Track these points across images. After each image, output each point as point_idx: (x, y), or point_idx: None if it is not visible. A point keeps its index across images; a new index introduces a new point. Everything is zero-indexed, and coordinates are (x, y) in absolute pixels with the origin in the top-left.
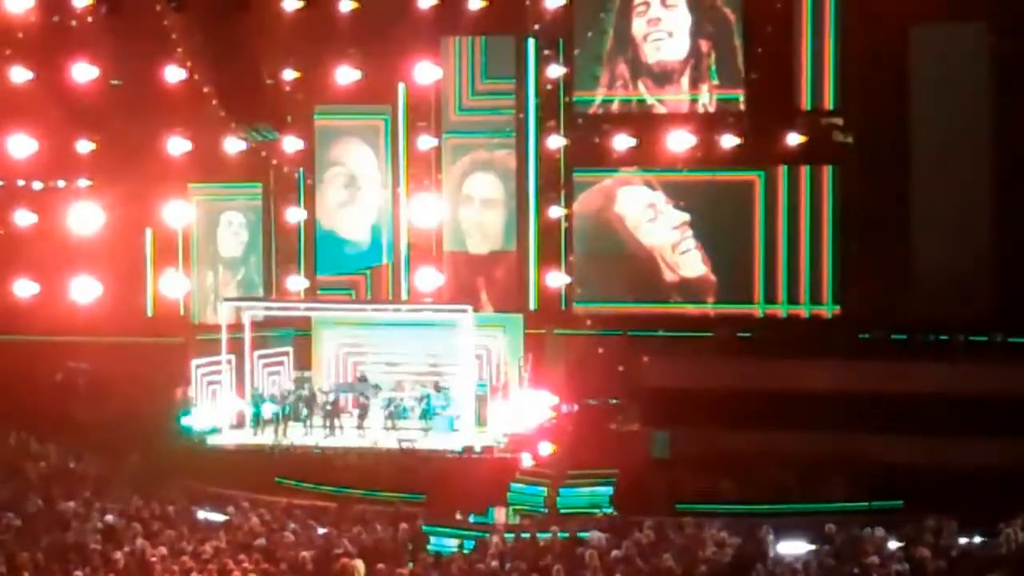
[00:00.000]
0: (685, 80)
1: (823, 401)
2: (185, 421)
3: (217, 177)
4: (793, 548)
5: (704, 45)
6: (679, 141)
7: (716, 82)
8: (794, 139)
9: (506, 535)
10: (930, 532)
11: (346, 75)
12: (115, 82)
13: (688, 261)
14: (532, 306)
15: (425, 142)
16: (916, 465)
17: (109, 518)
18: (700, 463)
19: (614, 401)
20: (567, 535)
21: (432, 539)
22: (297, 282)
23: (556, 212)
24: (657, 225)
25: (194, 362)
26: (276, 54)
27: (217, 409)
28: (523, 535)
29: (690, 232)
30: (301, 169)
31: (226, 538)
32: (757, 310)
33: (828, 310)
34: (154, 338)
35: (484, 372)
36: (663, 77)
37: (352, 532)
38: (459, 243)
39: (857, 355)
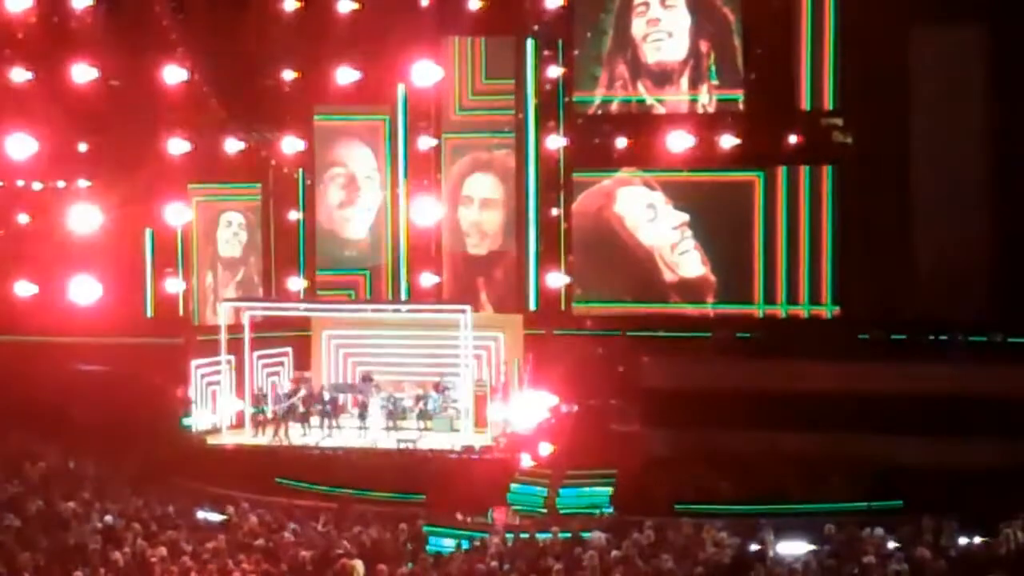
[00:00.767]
0: (684, 80)
1: (822, 401)
2: (185, 421)
3: (217, 177)
4: (792, 548)
5: (704, 45)
6: (678, 141)
7: (716, 82)
8: (793, 139)
9: (506, 535)
10: (929, 532)
11: (346, 75)
12: (114, 82)
13: (687, 261)
14: (532, 306)
15: (425, 142)
16: (916, 465)
17: (109, 519)
18: (700, 463)
19: (611, 402)
20: (567, 535)
21: (431, 539)
22: (297, 282)
23: (555, 212)
24: (656, 225)
25: (194, 362)
26: (276, 54)
27: (217, 409)
28: (523, 535)
29: (689, 232)
30: (301, 170)
31: (226, 538)
32: (757, 310)
33: (827, 310)
34: (154, 339)
35: (484, 372)
36: (662, 77)
37: (352, 532)
38: (459, 243)
39: (856, 355)
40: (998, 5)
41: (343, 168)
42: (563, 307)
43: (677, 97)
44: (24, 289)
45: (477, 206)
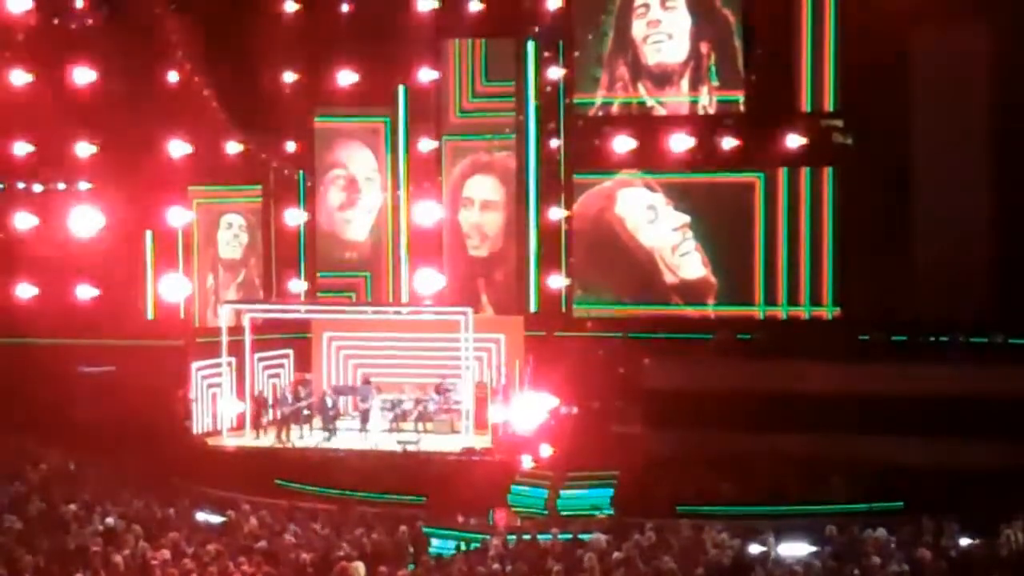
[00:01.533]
0: (685, 82)
1: (823, 402)
2: (186, 423)
3: (217, 179)
4: (793, 550)
5: (704, 47)
6: (679, 143)
7: (716, 84)
8: (794, 141)
9: (507, 537)
10: (930, 533)
11: (346, 78)
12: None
13: (688, 263)
14: (532, 308)
15: (425, 144)
16: (917, 466)
17: (109, 521)
18: (701, 465)
19: (610, 404)
20: (568, 537)
21: (432, 541)
22: (297, 284)
23: (556, 214)
24: (657, 227)
25: (194, 364)
26: (276, 57)
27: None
28: (524, 537)
29: (690, 234)
30: (301, 171)
31: (227, 540)
32: (757, 312)
33: (828, 311)
34: (154, 341)
35: (485, 374)
36: (663, 79)
37: (353, 534)
38: (459, 245)
39: (857, 356)
40: (998, 6)
41: (343, 170)
42: (564, 309)
43: (678, 99)
44: (25, 291)
45: (478, 208)
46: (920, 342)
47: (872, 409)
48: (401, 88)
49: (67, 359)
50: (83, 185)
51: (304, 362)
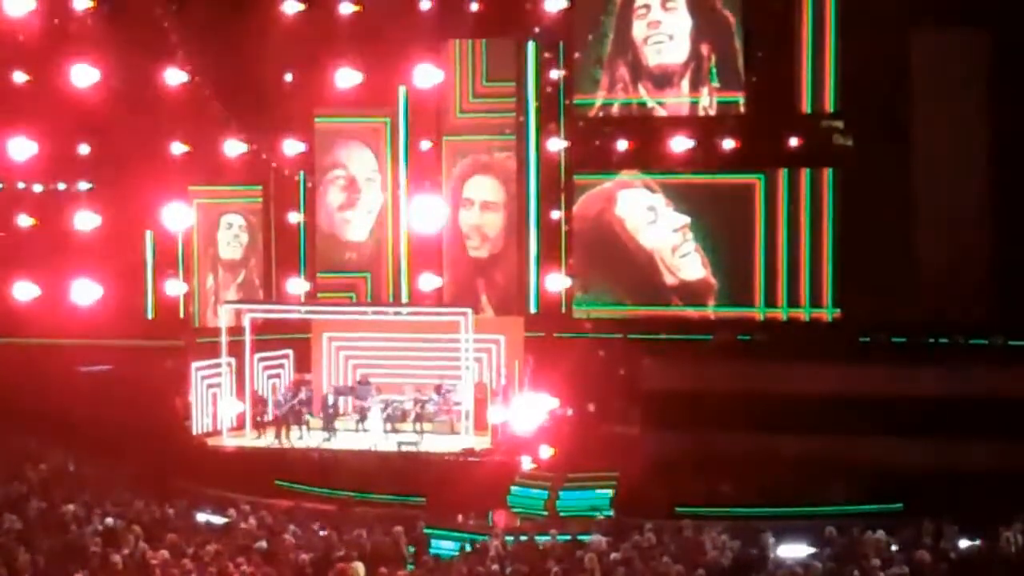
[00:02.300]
0: (685, 83)
1: (823, 404)
2: (185, 424)
3: (217, 180)
4: (793, 551)
5: (704, 48)
6: (679, 144)
7: (716, 85)
8: (794, 142)
9: (506, 538)
10: (930, 535)
11: (346, 78)
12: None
13: (688, 264)
14: (532, 309)
15: (425, 145)
16: (916, 468)
17: (109, 521)
18: (700, 466)
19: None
20: (567, 538)
21: (432, 542)
22: (297, 285)
23: (556, 215)
24: (657, 228)
25: (194, 365)
26: (277, 57)
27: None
28: (523, 538)
29: (690, 235)
30: (301, 172)
31: (226, 540)
32: (757, 313)
33: (828, 313)
34: (154, 341)
35: (484, 375)
36: (663, 80)
37: (352, 535)
38: (459, 246)
39: (857, 358)
40: (998, 7)
41: (344, 170)
42: (564, 310)
43: (678, 100)
44: (24, 291)
45: (478, 208)
46: (920, 344)
47: (872, 411)
48: (401, 89)
49: (67, 359)
50: (83, 185)
51: (304, 362)
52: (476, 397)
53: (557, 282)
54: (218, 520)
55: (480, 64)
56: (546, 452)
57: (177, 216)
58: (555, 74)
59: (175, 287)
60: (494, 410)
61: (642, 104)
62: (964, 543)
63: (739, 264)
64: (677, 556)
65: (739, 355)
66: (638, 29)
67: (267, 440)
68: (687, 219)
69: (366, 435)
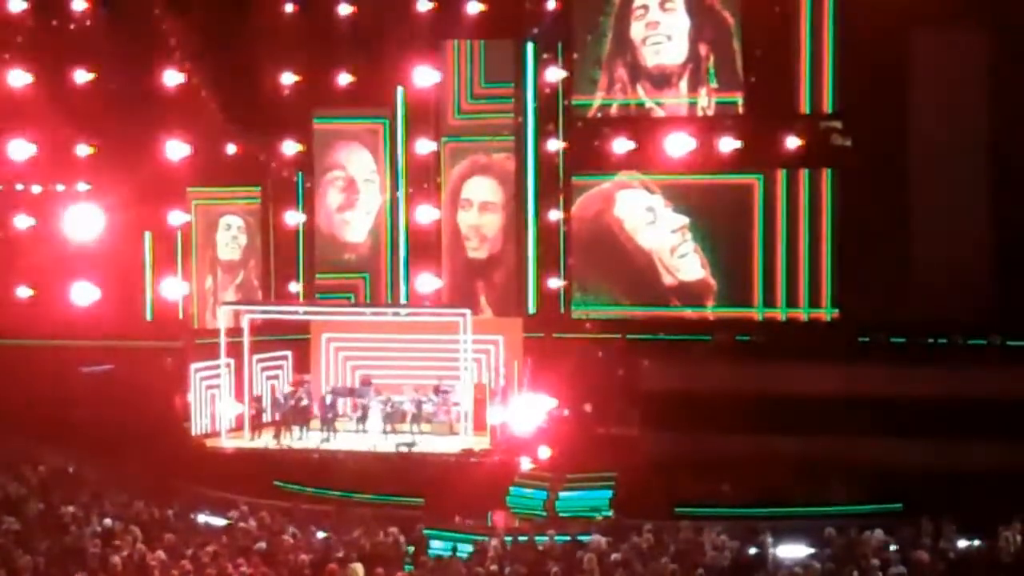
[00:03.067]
0: (684, 83)
1: (822, 404)
2: (184, 425)
3: (216, 181)
4: (792, 551)
5: (703, 48)
6: (678, 144)
7: (715, 85)
8: (793, 142)
9: (505, 539)
10: (929, 535)
11: (345, 79)
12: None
13: (687, 265)
14: (531, 310)
15: (424, 146)
16: (915, 468)
17: (108, 522)
18: (699, 467)
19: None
20: (566, 538)
21: (431, 542)
22: (296, 286)
23: (555, 216)
24: (656, 229)
25: (193, 366)
26: (275, 58)
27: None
28: (522, 539)
29: (689, 235)
30: (300, 173)
31: (225, 542)
32: (756, 314)
33: (827, 313)
34: (153, 342)
35: (483, 375)
36: (662, 80)
37: (351, 535)
38: (458, 247)
39: (856, 358)
40: (998, 8)
41: (342, 171)
42: (562, 310)
43: (676, 100)
44: (23, 292)
45: (476, 209)
46: (919, 344)
47: (871, 411)
48: (400, 89)
49: (66, 360)
50: (82, 186)
51: (303, 363)
52: (475, 398)
53: (556, 283)
54: (217, 521)
55: (478, 65)
56: (545, 453)
57: (176, 217)
58: (553, 75)
59: (174, 288)
60: (493, 411)
61: (640, 105)
62: (963, 543)
63: (738, 265)
64: (676, 557)
65: (738, 355)
66: (636, 30)
67: (266, 441)
68: (686, 220)
69: (365, 436)
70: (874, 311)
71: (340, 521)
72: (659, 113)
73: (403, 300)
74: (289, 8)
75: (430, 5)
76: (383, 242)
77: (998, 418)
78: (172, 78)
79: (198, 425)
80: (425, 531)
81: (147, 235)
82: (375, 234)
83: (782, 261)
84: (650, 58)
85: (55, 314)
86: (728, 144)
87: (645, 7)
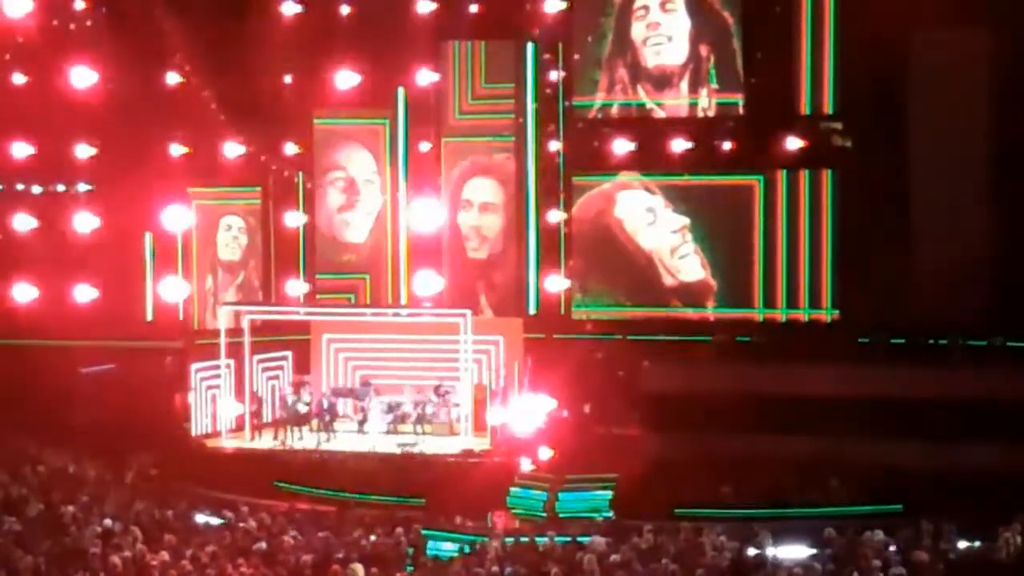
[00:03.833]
0: (684, 84)
1: (823, 405)
2: (184, 425)
3: (216, 181)
4: (792, 552)
5: (703, 49)
6: (678, 145)
7: (715, 86)
8: (793, 143)
9: (505, 539)
10: (929, 536)
11: (345, 79)
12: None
13: (687, 265)
14: (531, 310)
15: (424, 146)
16: (915, 469)
17: (108, 522)
18: (700, 467)
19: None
20: (566, 540)
21: (431, 543)
22: (297, 286)
23: (555, 216)
24: (656, 229)
25: (193, 366)
26: (275, 58)
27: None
28: (522, 539)
29: (689, 236)
30: (300, 173)
31: (225, 542)
32: (756, 314)
33: (827, 314)
34: (153, 342)
35: (484, 376)
36: (662, 81)
37: (352, 536)
38: (458, 247)
39: (856, 359)
40: (998, 7)
41: (343, 172)
42: (563, 311)
43: (677, 101)
44: (24, 293)
45: (477, 210)
46: (919, 345)
47: (871, 412)
48: (400, 90)
49: (67, 360)
50: (82, 187)
51: (303, 364)
52: (475, 398)
53: (556, 283)
54: (217, 521)
55: (479, 65)
56: (545, 453)
57: (176, 217)
58: (554, 75)
59: (174, 288)
60: (493, 411)
61: (641, 105)
62: (963, 544)
63: (738, 265)
64: (676, 558)
65: (738, 356)
66: (637, 30)
67: (266, 441)
68: (686, 220)
69: (365, 436)
70: (874, 312)
71: (340, 521)
72: (660, 114)
73: (403, 301)
74: (290, 8)
75: (431, 6)
76: (383, 243)
77: (998, 419)
78: (173, 78)
79: (198, 425)
80: (424, 531)
81: (147, 235)
82: (375, 235)
83: (782, 262)
84: (651, 59)
85: (56, 314)
86: (728, 145)
87: (646, 8)
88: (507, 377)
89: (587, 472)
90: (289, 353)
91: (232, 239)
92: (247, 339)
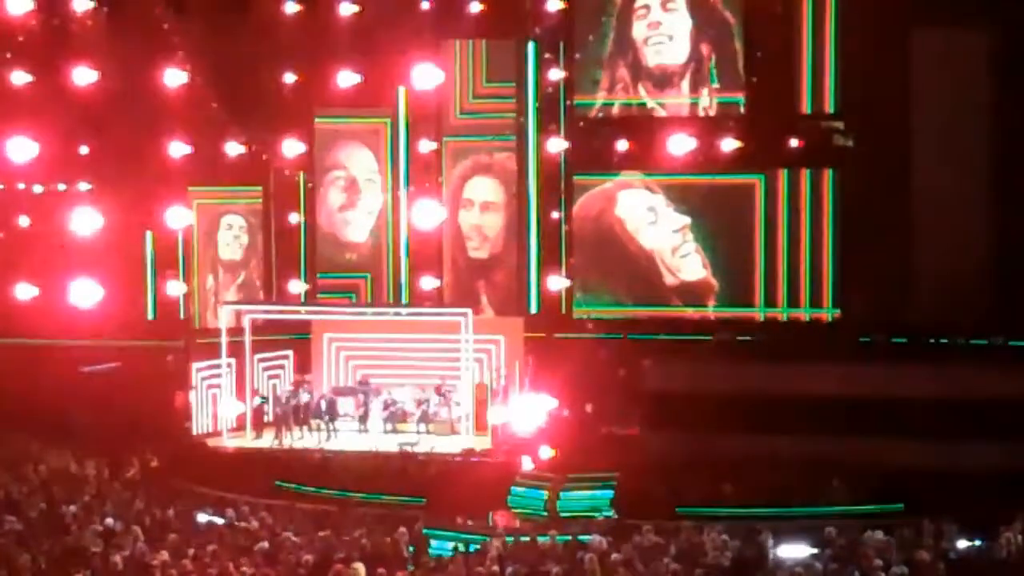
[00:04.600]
0: (686, 84)
1: (824, 404)
2: (185, 424)
3: (217, 180)
4: (793, 552)
5: (705, 48)
6: (679, 144)
7: (716, 85)
8: (795, 142)
9: (506, 538)
10: (930, 535)
11: (346, 78)
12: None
13: (688, 264)
14: (532, 310)
15: (425, 146)
16: (916, 468)
17: (109, 521)
18: (701, 466)
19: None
20: (567, 539)
21: (432, 542)
22: (297, 286)
23: (556, 215)
24: (657, 228)
25: (195, 365)
26: (276, 57)
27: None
28: (523, 539)
29: (690, 235)
30: (302, 172)
31: (226, 541)
32: (758, 314)
33: (828, 314)
34: (155, 341)
35: (485, 375)
36: (664, 80)
37: (352, 535)
38: (459, 247)
39: (857, 359)
40: (999, 8)
41: (344, 171)
42: (564, 310)
43: (678, 100)
44: (25, 292)
45: (478, 209)
46: (920, 344)
47: (872, 411)
48: (401, 89)
49: (67, 360)
50: (83, 186)
51: (304, 363)
52: (476, 398)
53: (557, 283)
54: (218, 521)
55: (480, 65)
56: (546, 453)
57: (177, 217)
58: (555, 75)
59: (175, 288)
60: (494, 410)
61: (642, 105)
62: (964, 543)
63: (739, 265)
64: (677, 557)
65: (739, 355)
66: (638, 30)
67: (267, 441)
68: (687, 219)
69: (366, 436)
70: (875, 311)
71: (342, 521)
72: (661, 113)
73: (404, 300)
74: (290, 7)
75: (432, 5)
76: (384, 242)
77: (999, 418)
78: (173, 77)
79: (199, 424)
80: (426, 531)
81: (148, 235)
82: (376, 234)
83: (783, 261)
84: (652, 58)
85: (57, 314)
86: (730, 144)
87: (647, 7)
88: (508, 376)
89: (588, 471)
90: (290, 352)
91: (233, 238)
92: (248, 338)
